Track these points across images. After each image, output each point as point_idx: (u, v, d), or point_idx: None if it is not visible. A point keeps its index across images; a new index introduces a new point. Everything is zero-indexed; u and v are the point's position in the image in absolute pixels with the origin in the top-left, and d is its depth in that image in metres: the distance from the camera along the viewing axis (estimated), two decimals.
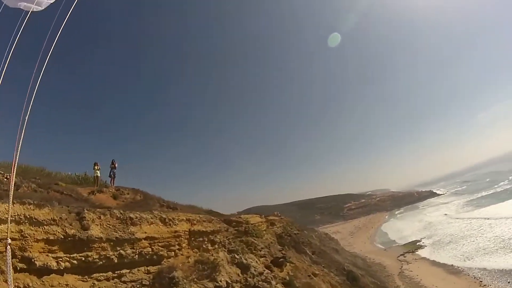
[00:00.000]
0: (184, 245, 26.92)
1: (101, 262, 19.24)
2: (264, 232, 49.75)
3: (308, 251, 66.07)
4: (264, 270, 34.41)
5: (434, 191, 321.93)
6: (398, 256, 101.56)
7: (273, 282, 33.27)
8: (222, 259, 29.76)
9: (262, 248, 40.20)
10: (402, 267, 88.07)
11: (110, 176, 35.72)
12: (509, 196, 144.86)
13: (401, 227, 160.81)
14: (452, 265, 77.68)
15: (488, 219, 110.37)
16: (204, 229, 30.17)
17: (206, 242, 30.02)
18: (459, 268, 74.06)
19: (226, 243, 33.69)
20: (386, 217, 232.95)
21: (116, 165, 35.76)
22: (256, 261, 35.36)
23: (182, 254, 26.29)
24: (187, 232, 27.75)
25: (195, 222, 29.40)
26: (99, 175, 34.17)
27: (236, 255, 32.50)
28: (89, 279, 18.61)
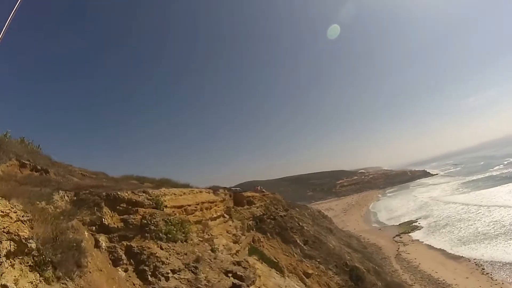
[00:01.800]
0: None
1: None
2: (208, 222, 29.41)
3: (298, 240, 54.04)
4: None
5: (427, 171, 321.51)
6: (394, 237, 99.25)
7: None
8: None
9: (175, 271, 16.80)
10: (398, 249, 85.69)
11: None
12: (505, 180, 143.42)
13: (395, 206, 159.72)
14: (450, 249, 75.26)
15: (486, 203, 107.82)
16: None
17: None
18: (458, 253, 71.49)
19: None
20: (379, 195, 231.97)
21: None
22: None
23: None
24: None
25: None
26: None
27: None
28: None
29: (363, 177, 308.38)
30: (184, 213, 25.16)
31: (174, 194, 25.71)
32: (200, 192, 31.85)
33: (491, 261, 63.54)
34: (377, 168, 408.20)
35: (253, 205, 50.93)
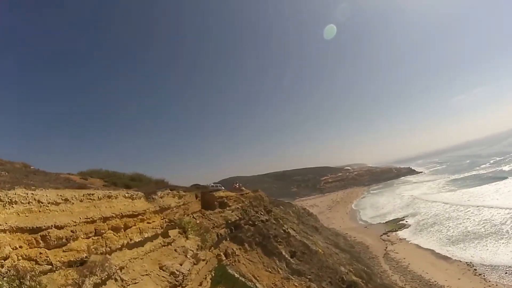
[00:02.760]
0: None
1: None
2: (114, 256, 16.71)
3: (284, 252, 45.49)
4: None
5: (413, 168, 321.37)
6: (381, 235, 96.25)
7: None
8: None
9: None
10: (386, 248, 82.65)
11: None
12: (492, 179, 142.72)
13: (381, 204, 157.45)
14: (440, 248, 72.56)
15: (474, 202, 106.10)
16: None
17: None
18: (448, 253, 68.87)
19: None
20: (365, 192, 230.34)
21: None
22: None
23: None
24: None
25: None
26: None
27: None
28: None
29: (347, 173, 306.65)
30: (34, 245, 12.05)
31: (39, 201, 13.06)
32: (110, 198, 18.21)
33: (482, 261, 61.07)
34: (362, 165, 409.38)
35: (227, 208, 42.40)
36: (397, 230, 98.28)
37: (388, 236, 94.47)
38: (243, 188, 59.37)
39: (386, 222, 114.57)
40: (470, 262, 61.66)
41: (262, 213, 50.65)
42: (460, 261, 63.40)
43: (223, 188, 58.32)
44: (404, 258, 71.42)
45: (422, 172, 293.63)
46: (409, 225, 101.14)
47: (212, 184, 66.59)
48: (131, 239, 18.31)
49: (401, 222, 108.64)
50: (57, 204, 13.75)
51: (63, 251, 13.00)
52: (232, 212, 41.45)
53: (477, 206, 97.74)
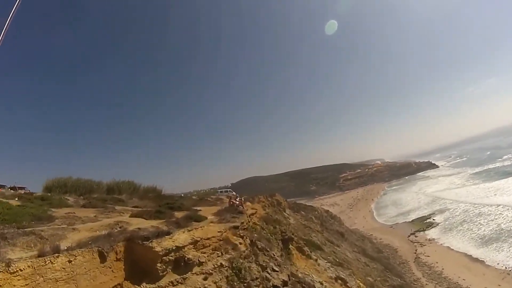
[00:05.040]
0: None
1: None
2: None
3: None
4: None
5: (433, 162, 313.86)
6: (409, 236, 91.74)
7: None
8: None
9: None
10: (416, 251, 77.94)
11: None
12: None
13: (404, 201, 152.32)
14: (474, 250, 68.19)
15: (505, 196, 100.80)
16: None
17: None
18: (483, 255, 64.25)
19: None
20: (386, 188, 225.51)
21: None
22: None
23: None
24: None
25: None
26: None
27: None
28: None
29: (366, 170, 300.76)
30: None
31: None
32: None
33: None
34: (380, 160, 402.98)
35: (193, 271, 16.62)
36: (424, 230, 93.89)
37: (416, 236, 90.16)
38: (248, 203, 37.40)
39: (412, 220, 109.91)
40: (509, 265, 57.05)
41: (276, 263, 24.60)
42: (497, 264, 58.92)
43: (234, 193, 50.89)
44: (437, 262, 67.07)
45: (442, 165, 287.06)
46: (437, 224, 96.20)
47: (225, 189, 59.68)
48: None
49: (428, 220, 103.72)
50: None
51: None
52: (204, 279, 16.68)
53: (508, 201, 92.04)
